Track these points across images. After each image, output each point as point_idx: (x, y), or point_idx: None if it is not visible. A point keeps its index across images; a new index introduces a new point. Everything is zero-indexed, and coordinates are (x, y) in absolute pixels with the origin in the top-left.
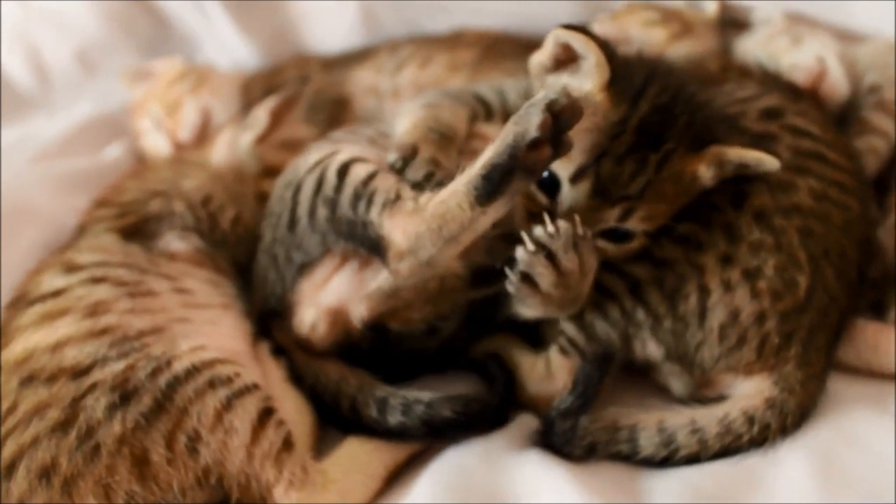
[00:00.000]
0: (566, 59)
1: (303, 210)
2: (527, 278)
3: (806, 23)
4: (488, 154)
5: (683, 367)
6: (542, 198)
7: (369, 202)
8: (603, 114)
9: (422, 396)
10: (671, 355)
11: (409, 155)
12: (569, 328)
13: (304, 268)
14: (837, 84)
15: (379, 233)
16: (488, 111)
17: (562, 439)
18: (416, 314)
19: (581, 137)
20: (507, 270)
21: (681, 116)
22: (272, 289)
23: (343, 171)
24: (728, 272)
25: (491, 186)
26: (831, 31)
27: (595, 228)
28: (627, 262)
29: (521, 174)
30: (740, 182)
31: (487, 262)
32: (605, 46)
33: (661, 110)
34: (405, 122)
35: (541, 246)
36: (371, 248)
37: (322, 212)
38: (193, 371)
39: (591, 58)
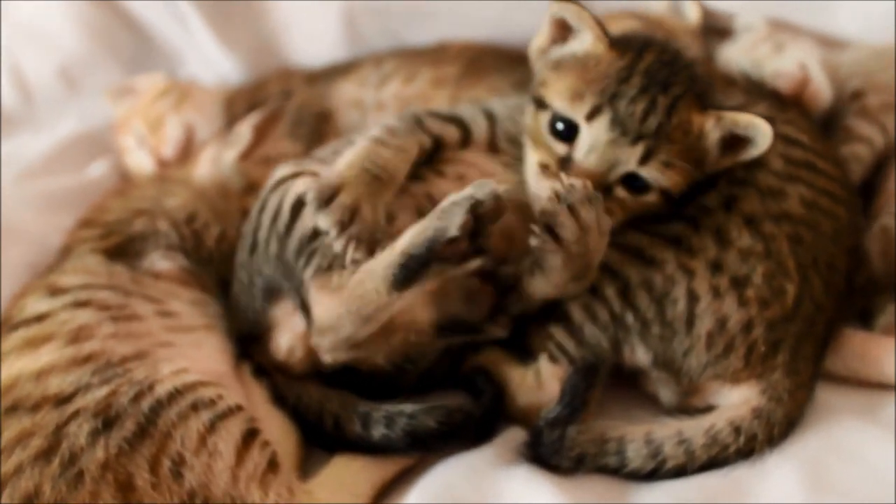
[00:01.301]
0: (562, 38)
1: (261, 236)
2: (549, 230)
3: (789, 29)
4: (407, 241)
5: (671, 375)
6: (559, 147)
7: (308, 260)
8: (607, 62)
9: (404, 409)
10: (659, 362)
11: (329, 197)
12: (558, 333)
13: (272, 293)
14: (820, 91)
15: (307, 298)
16: (467, 134)
17: (550, 450)
18: (382, 360)
19: (590, 84)
20: (532, 226)
21: (684, 71)
22: (244, 313)
23: (297, 208)
24: (717, 279)
25: (407, 274)
26: (814, 38)
27: (617, 172)
28: (617, 259)
29: (437, 264)
30: (732, 185)
31: (461, 313)
32: (596, 18)
33: (666, 63)
34: (348, 156)
35: (560, 198)
36: (301, 306)
37: (273, 246)
38: (176, 394)
39: (584, 25)
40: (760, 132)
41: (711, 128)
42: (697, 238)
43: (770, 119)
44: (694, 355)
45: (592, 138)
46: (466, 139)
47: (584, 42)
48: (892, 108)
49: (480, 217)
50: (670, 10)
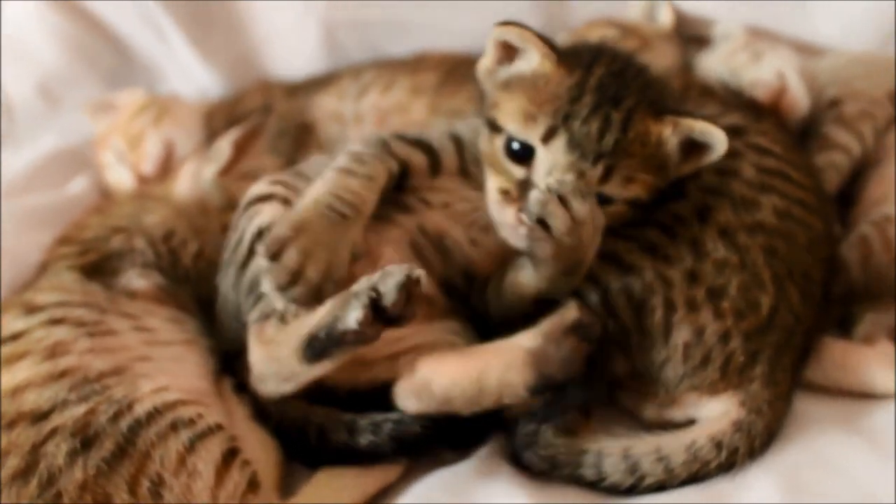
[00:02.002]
0: (508, 58)
1: (225, 258)
2: (541, 222)
3: (767, 37)
4: (314, 322)
5: (648, 387)
6: (517, 170)
7: (254, 303)
8: (556, 81)
9: (390, 416)
10: (637, 373)
11: (277, 251)
12: None
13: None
14: (798, 99)
15: (247, 339)
16: (435, 161)
17: (522, 443)
18: (362, 384)
19: (541, 105)
20: (523, 216)
21: (636, 79)
22: (226, 329)
23: (252, 247)
24: (693, 290)
25: (314, 352)
26: (793, 45)
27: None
28: (597, 265)
29: (347, 345)
30: (705, 194)
31: (557, 374)
32: (541, 35)
33: (616, 74)
34: (313, 190)
35: (550, 190)
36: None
37: (231, 274)
38: (155, 413)
39: (530, 45)
40: (716, 138)
41: (669, 135)
42: (674, 247)
43: (743, 129)
44: (671, 366)
45: (551, 161)
46: (436, 166)
47: (531, 61)
48: (870, 116)
49: (383, 311)
50: (645, 14)
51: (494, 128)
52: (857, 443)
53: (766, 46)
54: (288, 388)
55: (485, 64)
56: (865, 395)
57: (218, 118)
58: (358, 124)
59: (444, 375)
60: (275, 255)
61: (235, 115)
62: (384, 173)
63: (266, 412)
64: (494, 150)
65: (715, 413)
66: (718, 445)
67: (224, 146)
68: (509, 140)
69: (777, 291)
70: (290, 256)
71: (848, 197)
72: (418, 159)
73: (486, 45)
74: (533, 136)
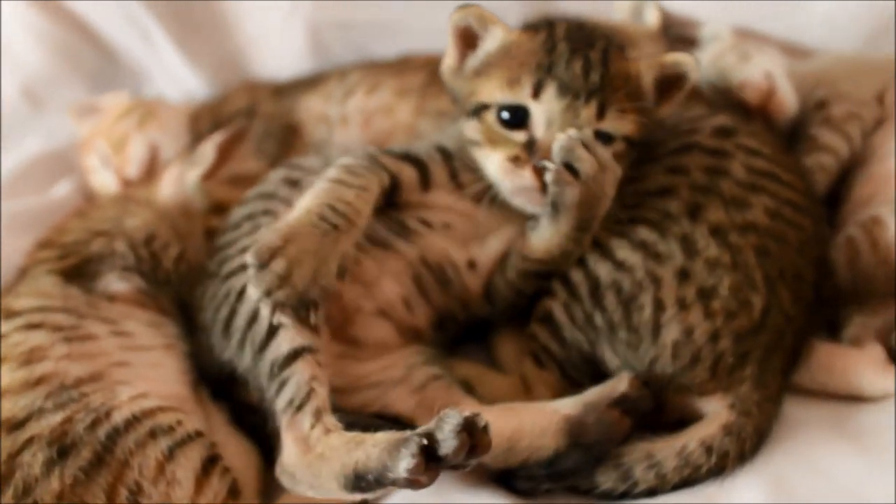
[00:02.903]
0: (471, 46)
1: (236, 328)
2: (568, 167)
3: (755, 38)
4: (361, 456)
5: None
6: (517, 136)
7: (279, 389)
8: (527, 42)
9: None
10: (627, 369)
11: (267, 259)
12: (542, 334)
13: None
14: (786, 101)
15: (277, 427)
16: (425, 175)
17: (521, 486)
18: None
19: (521, 67)
20: (546, 163)
21: (597, 29)
22: (218, 358)
23: (272, 332)
24: (684, 289)
25: (361, 488)
26: (780, 47)
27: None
28: (591, 255)
29: (399, 487)
30: (695, 192)
31: (593, 444)
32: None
33: (578, 27)
34: (305, 200)
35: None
36: (271, 426)
37: (248, 352)
38: (134, 421)
39: (489, 22)
40: (688, 64)
41: (645, 70)
42: (664, 244)
43: (732, 130)
44: (659, 365)
45: (546, 112)
46: (426, 179)
47: (496, 37)
48: (857, 117)
49: (442, 459)
50: (631, 14)
51: (479, 110)
52: (845, 446)
53: (753, 48)
54: (317, 496)
55: (448, 63)
56: (852, 398)
57: (203, 120)
58: (344, 126)
59: None
60: (263, 264)
61: (221, 116)
62: (377, 185)
63: (243, 419)
64: (488, 127)
65: (705, 417)
66: (709, 450)
67: (208, 150)
68: (500, 110)
69: (768, 292)
70: (279, 264)
71: (836, 197)
72: (408, 172)
73: (447, 45)
74: (522, 96)
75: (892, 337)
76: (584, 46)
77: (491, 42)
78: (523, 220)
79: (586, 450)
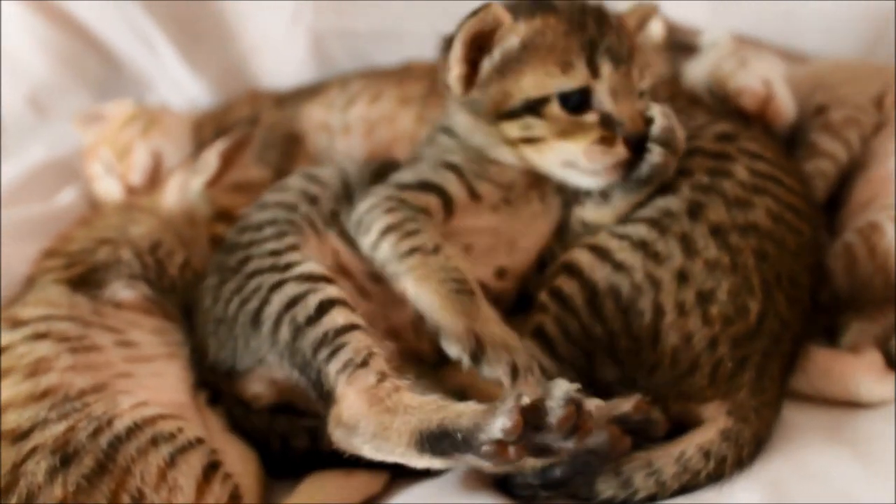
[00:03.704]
0: (486, 48)
1: (268, 316)
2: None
3: (754, 44)
4: (445, 415)
5: (637, 393)
6: (589, 117)
7: (332, 354)
8: (552, 26)
9: None
10: (626, 379)
11: (478, 346)
12: (534, 350)
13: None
14: (784, 107)
15: (331, 388)
16: (447, 200)
17: (519, 492)
18: None
19: (562, 51)
20: (653, 145)
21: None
22: (216, 357)
23: (323, 309)
24: (683, 293)
25: (439, 450)
26: (778, 53)
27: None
28: (588, 261)
29: (479, 457)
30: (696, 191)
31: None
32: None
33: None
34: (419, 288)
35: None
36: (318, 393)
37: (285, 332)
38: (135, 429)
39: (503, 16)
40: (651, 8)
41: (633, 24)
42: (663, 243)
43: (734, 135)
44: (659, 372)
45: (611, 85)
46: (449, 207)
47: (518, 31)
48: (856, 122)
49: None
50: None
51: (538, 104)
52: (843, 452)
53: (751, 54)
54: (373, 455)
55: (457, 74)
56: (850, 404)
57: (207, 128)
58: (346, 134)
59: None
60: (477, 355)
61: (224, 125)
62: (431, 227)
63: (238, 425)
64: (553, 119)
65: (703, 423)
66: (707, 455)
67: (211, 157)
68: (563, 99)
69: (765, 297)
70: (490, 335)
71: (834, 202)
72: (434, 203)
73: (450, 59)
74: (581, 78)
75: (891, 343)
76: (599, 15)
77: (512, 38)
78: (550, 210)
79: (577, 461)
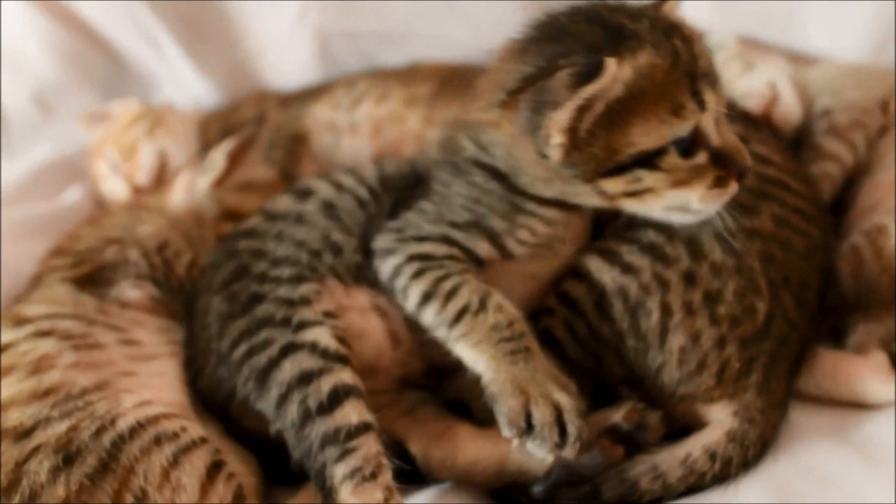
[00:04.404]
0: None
1: (276, 383)
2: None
3: (760, 46)
4: None
5: (645, 393)
6: (700, 159)
7: (341, 456)
8: (651, 59)
9: None
10: (633, 379)
11: (527, 426)
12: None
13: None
14: (790, 110)
15: (334, 488)
16: (476, 260)
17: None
18: None
19: (673, 91)
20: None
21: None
22: (213, 389)
23: (337, 399)
24: (690, 293)
25: None
26: (785, 54)
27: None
28: (596, 265)
29: None
30: None
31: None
32: None
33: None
34: (475, 355)
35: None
36: (318, 483)
37: (294, 411)
38: (138, 428)
39: (617, 69)
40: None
41: None
42: (671, 247)
43: (744, 139)
44: (666, 372)
45: (712, 114)
46: (477, 261)
47: (624, 75)
48: (862, 125)
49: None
50: None
51: (648, 159)
52: (849, 454)
53: (758, 56)
54: None
55: (560, 143)
56: (857, 406)
57: (212, 128)
58: (352, 134)
59: (468, 453)
60: (529, 426)
61: (230, 125)
62: (473, 275)
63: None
64: (672, 170)
65: (709, 424)
66: (713, 456)
67: (218, 157)
68: (679, 145)
69: (772, 298)
70: (542, 413)
71: (840, 205)
72: (459, 255)
73: (550, 126)
74: (692, 116)
75: None
76: (677, 30)
77: (618, 86)
78: (578, 238)
79: (566, 470)
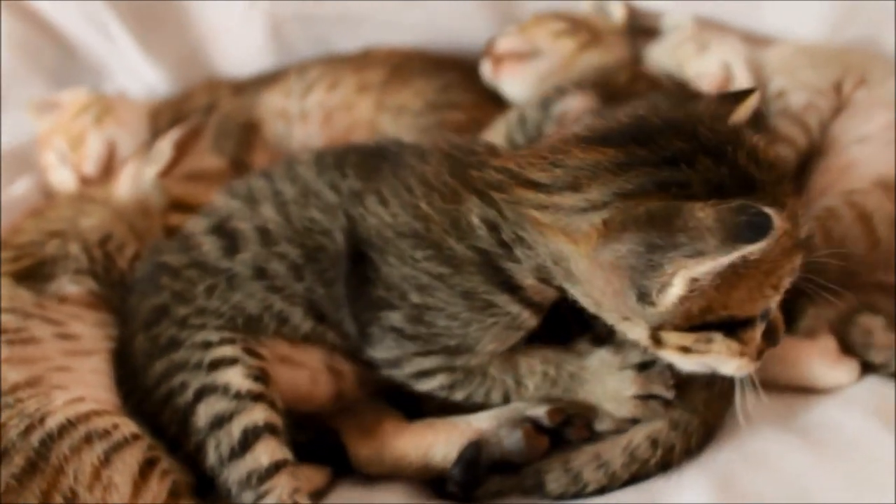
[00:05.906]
0: None
1: (194, 430)
2: None
3: (716, 27)
4: None
5: None
6: (760, 329)
7: (256, 500)
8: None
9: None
10: None
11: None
12: None
13: None
14: None
15: None
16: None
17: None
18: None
19: (782, 259)
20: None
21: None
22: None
23: (247, 441)
24: None
25: None
26: (741, 35)
27: None
28: None
29: None
30: None
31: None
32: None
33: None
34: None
35: None
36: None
37: (212, 457)
38: (68, 426)
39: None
40: None
41: None
42: None
43: None
44: None
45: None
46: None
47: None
48: (815, 107)
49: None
50: (595, 9)
51: (734, 326)
52: (793, 439)
53: (713, 37)
54: None
55: (678, 294)
56: (804, 390)
57: (164, 117)
58: (304, 122)
59: (395, 448)
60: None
61: (182, 113)
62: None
63: None
64: (748, 341)
65: None
66: (654, 443)
67: (165, 147)
68: (763, 318)
69: None
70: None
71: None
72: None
73: (694, 270)
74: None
75: (847, 328)
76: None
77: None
78: None
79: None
